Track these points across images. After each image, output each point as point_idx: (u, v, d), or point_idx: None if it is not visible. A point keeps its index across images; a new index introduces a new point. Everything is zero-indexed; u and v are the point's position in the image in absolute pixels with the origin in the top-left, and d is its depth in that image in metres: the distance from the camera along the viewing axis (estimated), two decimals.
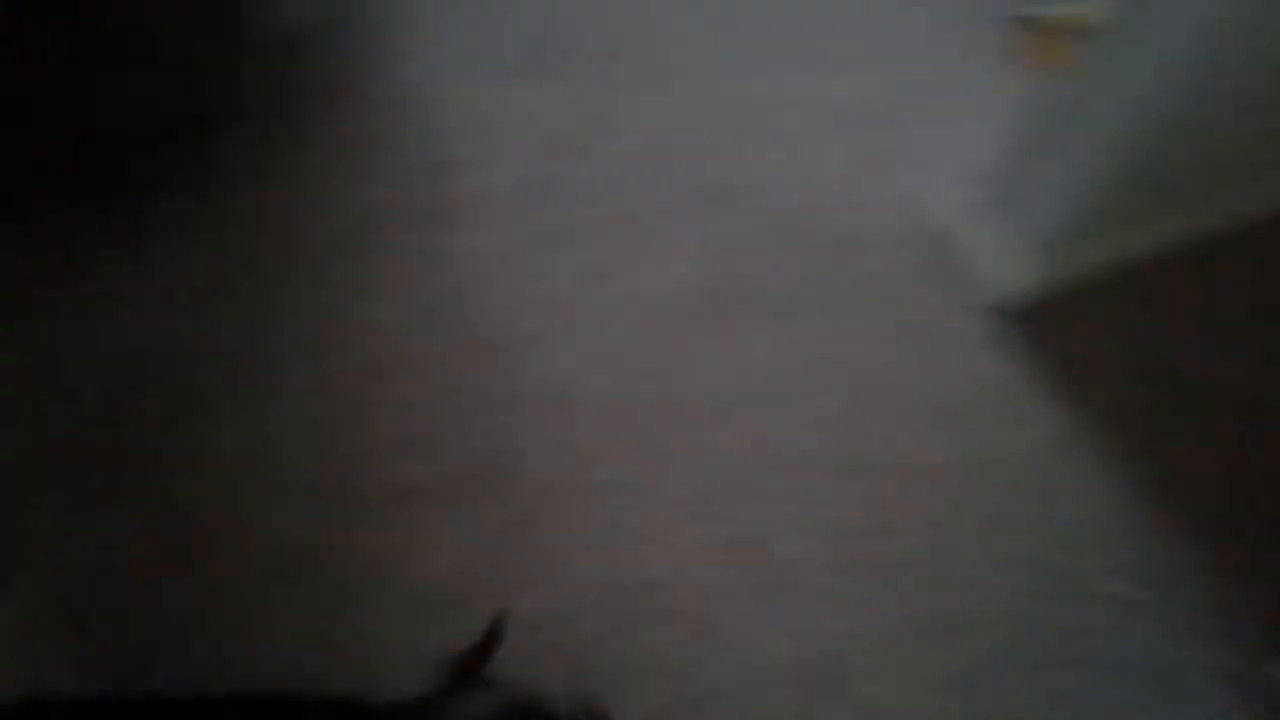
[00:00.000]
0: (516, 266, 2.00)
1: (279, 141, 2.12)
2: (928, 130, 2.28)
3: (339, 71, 2.22)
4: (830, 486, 1.85)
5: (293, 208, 2.04)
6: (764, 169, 2.18)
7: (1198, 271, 2.14)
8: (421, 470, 1.79)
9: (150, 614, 1.64)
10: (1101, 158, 1.77)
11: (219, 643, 1.62)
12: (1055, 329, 2.04)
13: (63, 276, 1.97)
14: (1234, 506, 1.91)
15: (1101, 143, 1.74)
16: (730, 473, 1.84)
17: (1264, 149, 2.01)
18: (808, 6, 2.44)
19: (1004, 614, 1.77)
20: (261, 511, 1.74)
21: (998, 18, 2.45)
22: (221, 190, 2.06)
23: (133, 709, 1.11)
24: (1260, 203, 2.20)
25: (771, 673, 1.68)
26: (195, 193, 2.05)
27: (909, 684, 1.69)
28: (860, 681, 1.69)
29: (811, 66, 2.34)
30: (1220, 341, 2.08)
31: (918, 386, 1.96)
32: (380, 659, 1.63)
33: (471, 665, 1.27)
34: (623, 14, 2.35)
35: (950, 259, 2.09)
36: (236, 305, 1.94)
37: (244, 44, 2.23)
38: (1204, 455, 1.95)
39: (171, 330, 1.91)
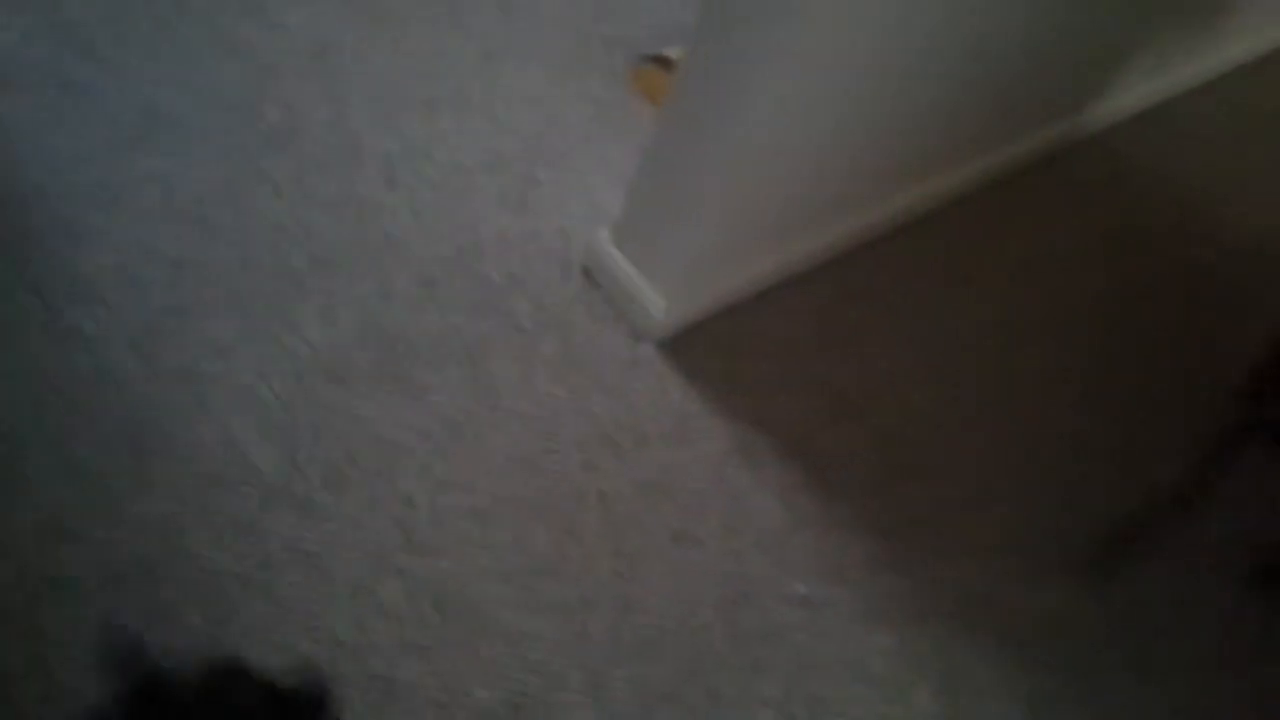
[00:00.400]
0: (145, 342, 1.83)
1: None
2: (565, 170, 2.33)
3: None
4: (513, 529, 1.81)
5: None
6: (403, 220, 2.13)
7: (839, 279, 2.31)
8: (71, 567, 1.58)
9: None
10: (717, 192, 1.86)
11: None
12: (710, 347, 2.13)
13: None
14: (892, 501, 2.05)
15: (713, 179, 1.84)
16: (408, 527, 1.76)
17: (902, 164, 2.22)
18: (428, 57, 2.44)
19: (698, 626, 1.79)
20: None
21: (625, 57, 2.57)
22: None
23: None
24: (907, 207, 2.42)
25: (474, 717, 1.61)
26: None
27: (610, 710, 1.67)
28: (563, 714, 1.65)
29: (443, 115, 2.34)
30: (856, 347, 2.25)
31: (587, 418, 1.98)
32: None
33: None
34: (235, 79, 2.25)
35: (603, 295, 2.14)
36: None
37: None
38: (852, 457, 2.09)
39: None
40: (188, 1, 2.35)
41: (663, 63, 2.46)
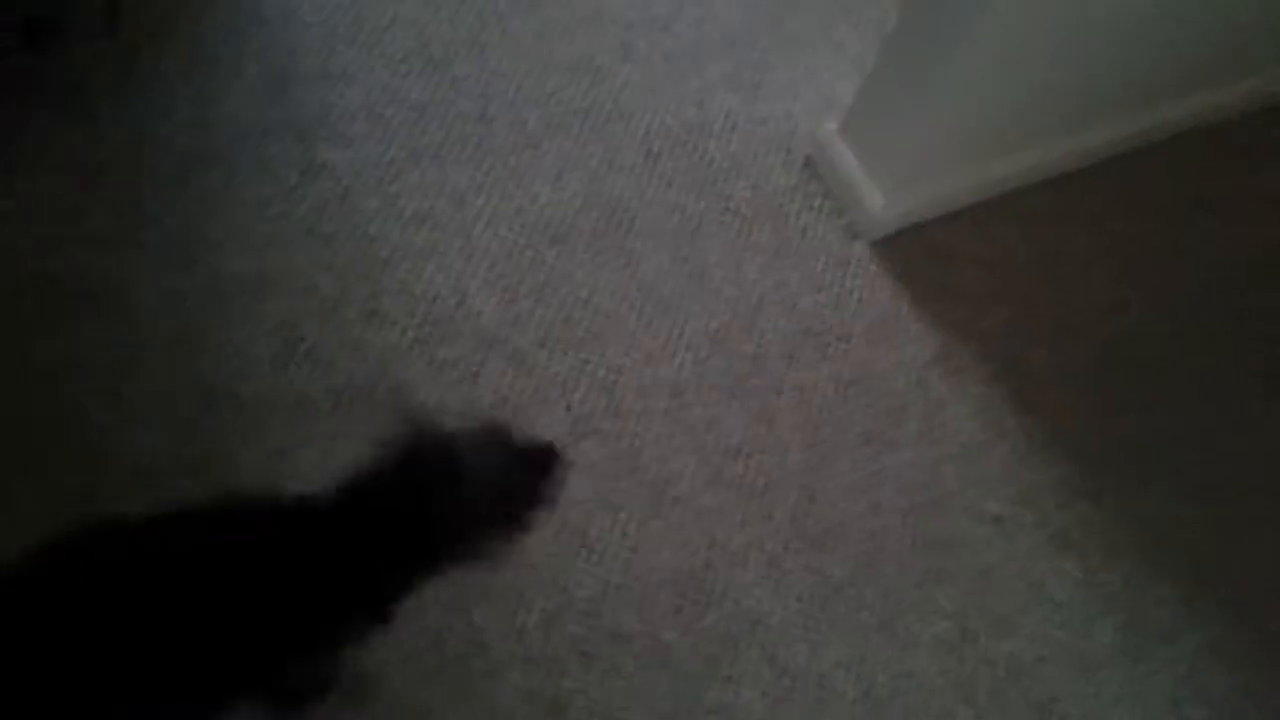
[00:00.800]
0: (387, 183, 1.92)
1: (132, 51, 1.99)
2: (798, 55, 2.28)
3: None
4: (708, 406, 1.85)
5: (145, 121, 1.91)
6: (635, 91, 2.15)
7: (1060, 199, 2.22)
8: (304, 384, 1.71)
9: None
10: (954, 88, 1.80)
11: None
12: (923, 252, 2.09)
13: None
14: (1098, 429, 1.99)
15: (952, 74, 1.77)
16: (608, 392, 1.82)
17: (1134, 84, 2.09)
18: None
19: (881, 528, 1.80)
20: (126, 423, 1.64)
21: None
22: (68, 101, 1.92)
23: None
24: (1132, 135, 2.29)
25: (655, 579, 1.67)
26: (38, 105, 1.91)
27: (786, 593, 1.71)
28: (739, 590, 1.70)
29: None
30: (1072, 269, 2.16)
31: (792, 308, 1.97)
32: None
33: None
34: None
35: (823, 184, 2.11)
36: (90, 220, 1.81)
37: None
38: (1062, 379, 2.02)
39: (18, 246, 1.78)
40: None
41: None
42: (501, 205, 1.95)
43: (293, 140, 1.93)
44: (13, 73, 1.91)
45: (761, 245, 2.03)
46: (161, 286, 1.76)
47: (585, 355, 1.84)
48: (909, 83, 1.87)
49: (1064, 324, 2.08)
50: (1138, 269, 2.19)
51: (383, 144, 1.97)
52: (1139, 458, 1.97)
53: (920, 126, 1.91)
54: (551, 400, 1.79)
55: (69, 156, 1.86)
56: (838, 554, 1.76)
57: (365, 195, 1.91)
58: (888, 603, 1.74)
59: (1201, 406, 2.05)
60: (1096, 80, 1.99)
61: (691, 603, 1.67)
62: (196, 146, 1.90)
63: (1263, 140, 2.45)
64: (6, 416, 1.63)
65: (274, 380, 1.71)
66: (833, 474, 1.83)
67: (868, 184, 2.03)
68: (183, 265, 1.79)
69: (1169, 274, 2.20)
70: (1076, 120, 2.13)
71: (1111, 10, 1.75)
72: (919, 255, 2.09)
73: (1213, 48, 2.11)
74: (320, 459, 1.65)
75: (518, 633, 1.60)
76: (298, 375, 1.72)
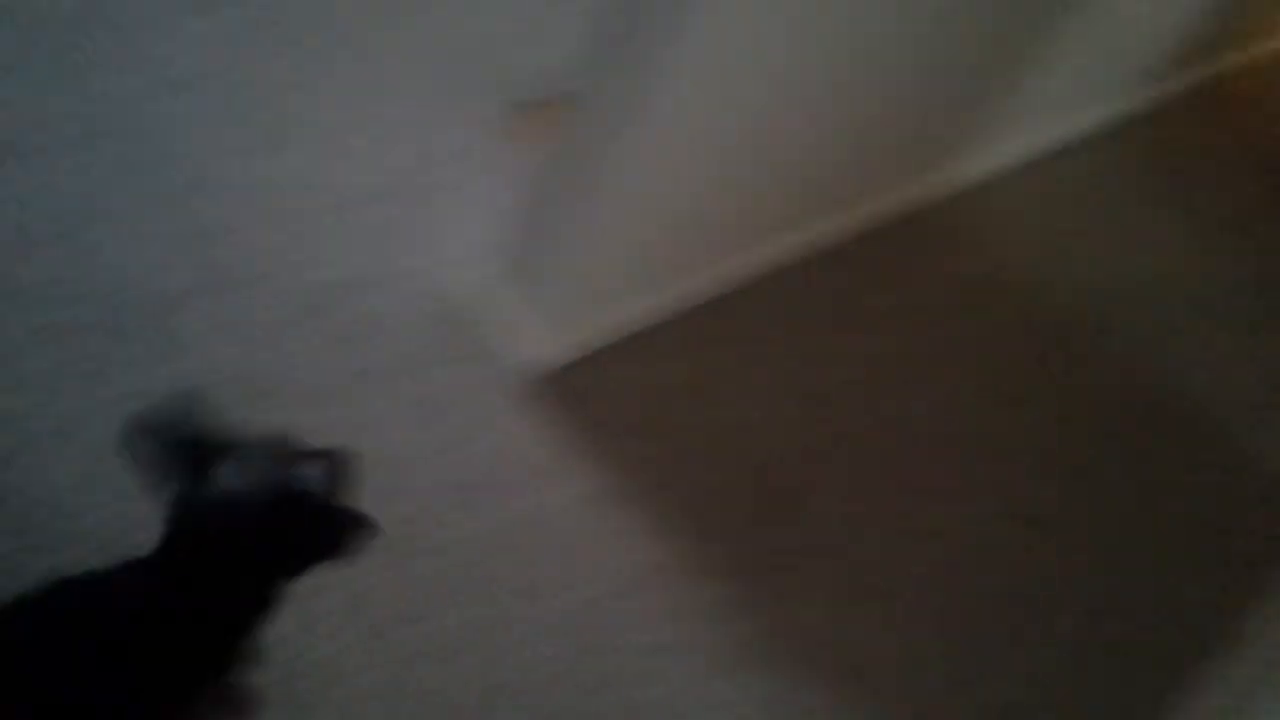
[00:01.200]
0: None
1: None
2: (440, 209, 2.32)
3: None
4: (362, 576, 1.79)
5: None
6: (273, 252, 2.10)
7: (722, 320, 2.35)
8: None
9: None
10: (604, 224, 1.89)
11: None
12: (585, 386, 2.15)
13: None
14: (754, 545, 2.08)
15: (602, 210, 1.86)
16: None
17: (799, 200, 2.25)
18: (307, 84, 2.42)
19: (547, 677, 1.79)
20: None
21: (499, 100, 2.57)
22: None
23: None
24: (793, 249, 2.46)
25: None
26: None
27: None
28: None
29: (313, 146, 2.32)
30: (731, 388, 2.28)
31: (445, 464, 1.97)
32: None
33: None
34: (102, 93, 2.20)
35: (471, 333, 2.13)
36: None
37: None
38: (717, 500, 2.11)
39: None
40: (46, 24, 2.30)
41: (538, 107, 2.47)
42: (126, 386, 1.84)
43: None
44: None
45: (411, 402, 2.02)
46: None
47: None
48: (557, 223, 1.95)
49: (720, 445, 2.18)
50: (793, 382, 2.33)
51: None
52: (789, 570, 2.07)
53: (573, 263, 1.99)
54: None
55: None
56: (507, 715, 1.73)
57: None
58: None
59: (852, 514, 2.19)
60: (759, 201, 2.14)
61: None
62: None
63: (916, 243, 2.73)
64: None
65: None
66: (495, 630, 1.81)
67: (521, 329, 2.09)
68: None
69: (822, 384, 2.36)
70: (738, 241, 2.29)
71: (775, 128, 1.90)
72: (581, 389, 2.14)
73: (863, 165, 2.33)
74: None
75: None
76: None
